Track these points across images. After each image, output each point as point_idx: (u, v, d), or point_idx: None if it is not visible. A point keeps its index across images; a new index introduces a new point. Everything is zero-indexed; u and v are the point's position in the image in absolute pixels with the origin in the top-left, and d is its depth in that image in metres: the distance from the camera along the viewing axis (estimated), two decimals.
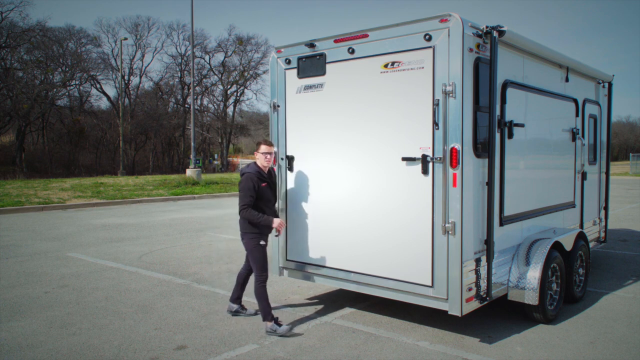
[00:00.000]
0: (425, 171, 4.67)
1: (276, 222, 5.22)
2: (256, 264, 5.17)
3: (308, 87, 5.55)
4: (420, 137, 4.69)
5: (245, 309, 5.65)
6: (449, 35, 4.48)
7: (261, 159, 5.29)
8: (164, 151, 53.97)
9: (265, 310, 5.07)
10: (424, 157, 4.64)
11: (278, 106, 5.85)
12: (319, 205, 5.54)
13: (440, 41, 4.51)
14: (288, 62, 5.70)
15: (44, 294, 6.56)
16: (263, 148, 5.27)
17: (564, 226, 6.51)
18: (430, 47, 4.57)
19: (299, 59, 5.57)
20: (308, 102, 5.57)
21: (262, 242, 5.21)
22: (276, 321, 5.06)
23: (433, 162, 4.61)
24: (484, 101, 4.73)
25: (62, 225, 12.75)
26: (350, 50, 5.14)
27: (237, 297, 5.64)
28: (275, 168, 5.92)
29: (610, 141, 8.42)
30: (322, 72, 5.41)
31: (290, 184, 5.80)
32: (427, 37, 4.57)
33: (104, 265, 8.24)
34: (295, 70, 5.63)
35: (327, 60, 5.36)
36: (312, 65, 5.48)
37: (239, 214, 5.16)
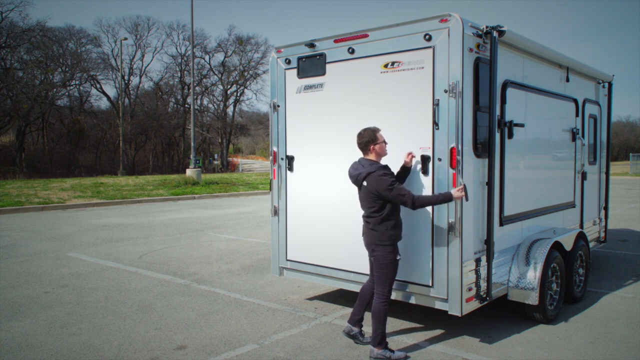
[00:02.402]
0: (425, 171, 4.66)
1: (455, 192, 4.35)
2: (387, 282, 4.42)
3: (308, 87, 5.54)
4: (421, 137, 4.69)
5: (364, 336, 4.82)
6: (449, 35, 4.47)
7: (383, 149, 4.49)
8: (164, 151, 53.99)
9: (382, 335, 4.42)
10: (424, 157, 4.64)
11: (278, 106, 5.84)
12: (319, 205, 5.54)
13: (440, 41, 4.51)
14: (288, 62, 5.68)
15: (44, 294, 6.56)
16: (381, 136, 4.50)
17: (564, 226, 6.51)
18: (430, 47, 4.56)
19: (299, 59, 5.56)
20: (308, 102, 5.56)
21: (399, 257, 4.46)
22: (387, 346, 4.47)
23: (433, 162, 4.61)
24: (484, 101, 4.73)
25: (62, 225, 12.75)
26: (350, 50, 5.14)
27: (359, 319, 4.83)
28: (276, 169, 5.92)
29: (610, 141, 8.42)
30: (322, 72, 5.40)
31: (291, 184, 5.79)
32: (427, 37, 4.57)
33: (104, 265, 8.25)
34: (295, 70, 5.63)
35: (327, 60, 5.35)
36: (312, 65, 5.47)
37: (410, 204, 4.26)
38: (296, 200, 5.76)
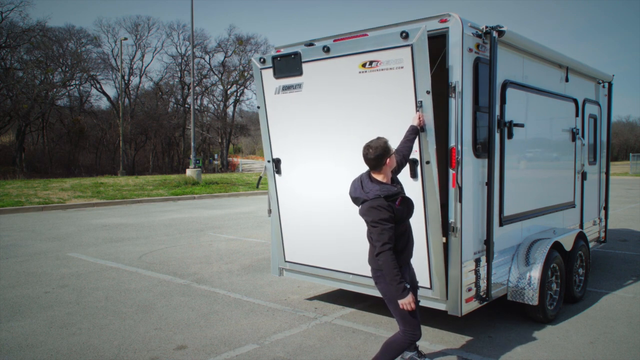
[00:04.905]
0: (413, 175, 4.50)
1: (407, 299, 3.58)
2: (404, 319, 3.72)
3: (286, 88, 5.29)
4: None
5: (424, 356, 4.33)
6: (449, 35, 4.46)
7: (394, 162, 3.81)
8: (164, 151, 53.98)
9: None
10: (412, 160, 4.45)
11: (258, 107, 5.63)
12: (310, 208, 5.42)
13: (418, 39, 4.19)
14: (263, 61, 5.33)
15: (44, 294, 6.56)
16: (391, 147, 3.82)
17: (564, 226, 6.51)
18: (407, 45, 4.24)
19: (274, 58, 5.23)
20: (288, 103, 5.28)
21: (407, 286, 3.65)
22: None
23: (421, 166, 4.44)
24: (484, 101, 4.72)
25: (62, 225, 12.76)
26: (325, 49, 4.80)
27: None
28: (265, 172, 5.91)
29: (610, 141, 8.43)
30: (299, 72, 5.10)
31: (280, 187, 5.64)
32: (403, 34, 4.23)
33: (104, 265, 8.25)
34: (271, 70, 5.35)
35: (303, 60, 5.03)
36: (287, 64, 5.20)
37: (376, 255, 3.65)
38: (287, 203, 5.65)
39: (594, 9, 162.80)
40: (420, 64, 4.23)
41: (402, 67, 4.35)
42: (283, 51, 5.66)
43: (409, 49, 4.25)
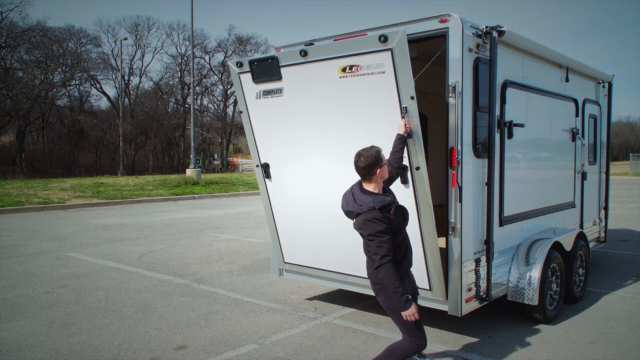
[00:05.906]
0: (404, 181, 4.45)
1: (411, 310, 3.51)
2: (408, 331, 3.66)
3: (267, 93, 5.13)
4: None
5: (425, 356, 4.16)
6: (449, 35, 4.46)
7: (386, 172, 3.72)
8: (164, 151, 53.96)
9: None
10: (402, 166, 4.32)
11: (240, 112, 5.55)
12: (304, 211, 5.37)
13: (398, 42, 4.03)
14: (240, 65, 5.17)
15: (44, 294, 6.56)
16: (384, 156, 3.73)
17: (564, 226, 6.51)
18: (387, 49, 4.09)
19: (251, 62, 5.09)
20: (270, 108, 5.17)
21: (409, 297, 3.57)
22: None
23: (412, 172, 4.36)
24: (484, 101, 4.72)
25: (62, 225, 12.76)
26: (303, 52, 4.66)
27: None
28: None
29: (610, 141, 8.43)
30: (278, 77, 4.95)
31: (272, 192, 5.59)
32: (382, 38, 4.07)
33: (104, 265, 8.25)
34: (249, 75, 5.18)
35: (281, 64, 4.87)
36: (264, 69, 5.01)
37: (375, 268, 3.56)
38: (280, 207, 5.61)
39: (594, 9, 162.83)
40: (402, 69, 4.08)
41: (383, 72, 4.21)
42: (283, 50, 5.66)
43: (389, 53, 4.11)
